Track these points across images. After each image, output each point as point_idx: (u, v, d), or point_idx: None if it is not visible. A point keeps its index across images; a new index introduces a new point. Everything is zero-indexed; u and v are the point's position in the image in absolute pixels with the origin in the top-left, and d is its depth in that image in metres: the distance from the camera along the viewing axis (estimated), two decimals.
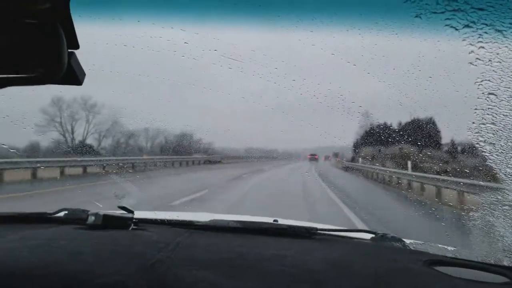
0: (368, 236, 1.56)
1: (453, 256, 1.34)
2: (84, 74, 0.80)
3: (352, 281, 1.06)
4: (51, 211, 1.75)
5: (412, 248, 1.44)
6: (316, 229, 1.52)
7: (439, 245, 1.47)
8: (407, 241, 1.51)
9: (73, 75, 0.76)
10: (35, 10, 0.72)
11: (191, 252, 1.25)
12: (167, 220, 1.63)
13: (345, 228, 1.66)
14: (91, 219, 1.47)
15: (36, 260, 1.07)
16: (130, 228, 1.48)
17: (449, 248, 1.43)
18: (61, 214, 1.72)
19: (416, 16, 1.04)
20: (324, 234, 1.53)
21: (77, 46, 0.76)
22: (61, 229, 1.47)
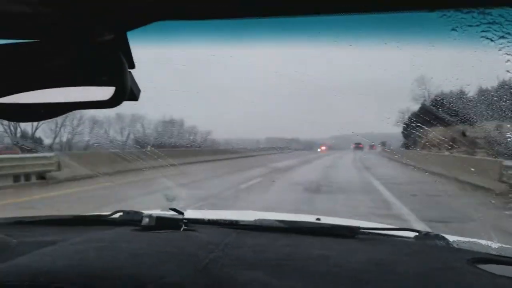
0: (412, 234, 1.60)
1: (498, 253, 1.35)
2: (140, 91, 0.88)
3: (396, 281, 1.12)
4: (107, 214, 1.89)
5: (456, 246, 1.47)
6: (359, 228, 1.57)
7: (483, 243, 1.48)
8: (451, 239, 1.53)
9: (131, 93, 0.84)
10: (100, 40, 0.82)
11: (240, 253, 1.33)
12: (215, 220, 1.73)
13: (388, 227, 1.69)
14: (145, 221, 1.58)
15: (102, 262, 1.18)
16: (182, 229, 1.59)
17: (494, 245, 1.45)
18: (117, 215, 1.85)
19: (452, 30, 1.10)
20: (367, 233, 1.58)
21: (133, 66, 0.84)
22: (119, 231, 1.59)
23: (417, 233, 1.60)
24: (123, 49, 0.82)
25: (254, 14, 0.79)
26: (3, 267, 1.15)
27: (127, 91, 0.81)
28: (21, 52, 0.84)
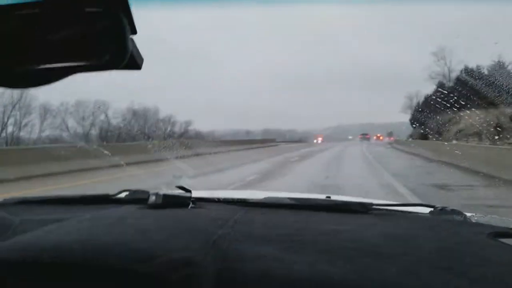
0: (427, 210, 1.55)
1: None
2: (142, 59, 0.82)
3: (414, 255, 1.07)
4: (113, 193, 1.85)
5: (474, 221, 1.42)
6: (372, 204, 1.53)
7: (502, 218, 1.44)
8: (468, 214, 1.48)
9: (133, 60, 0.79)
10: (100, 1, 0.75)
11: (250, 228, 1.29)
12: (223, 198, 1.69)
13: (402, 203, 1.65)
14: (152, 198, 1.55)
15: (110, 237, 1.15)
16: (189, 207, 1.55)
17: None
18: (123, 195, 1.82)
19: None
20: (381, 209, 1.53)
21: (135, 32, 0.79)
22: (126, 209, 1.55)
23: (432, 208, 1.55)
24: (123, 10, 0.76)
25: None
26: (6, 244, 1.12)
27: (127, 53, 0.76)
28: (18, 15, 0.79)
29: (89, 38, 0.80)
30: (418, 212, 1.57)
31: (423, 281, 0.93)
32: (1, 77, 0.84)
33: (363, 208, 1.52)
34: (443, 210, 1.52)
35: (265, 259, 1.05)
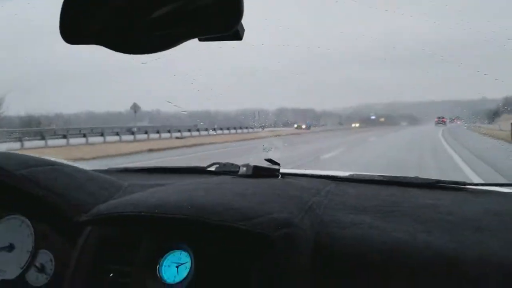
0: None
1: None
2: (244, 30, 0.84)
3: None
4: (203, 166, 1.95)
5: None
6: (466, 182, 1.47)
7: None
8: None
9: (236, 31, 0.81)
10: None
11: (343, 199, 1.31)
12: (311, 174, 1.71)
13: (499, 183, 1.56)
14: (243, 170, 1.61)
15: (211, 198, 1.23)
16: (279, 178, 1.59)
17: None
18: (213, 167, 1.90)
19: None
20: (475, 188, 1.47)
21: None
22: (221, 177, 1.64)
23: None
24: None
25: None
26: (120, 201, 1.26)
27: (241, 17, 0.78)
28: None
29: (205, 3, 0.84)
30: None
31: None
32: (121, 42, 0.90)
33: (457, 186, 1.46)
34: None
35: (361, 226, 1.07)
